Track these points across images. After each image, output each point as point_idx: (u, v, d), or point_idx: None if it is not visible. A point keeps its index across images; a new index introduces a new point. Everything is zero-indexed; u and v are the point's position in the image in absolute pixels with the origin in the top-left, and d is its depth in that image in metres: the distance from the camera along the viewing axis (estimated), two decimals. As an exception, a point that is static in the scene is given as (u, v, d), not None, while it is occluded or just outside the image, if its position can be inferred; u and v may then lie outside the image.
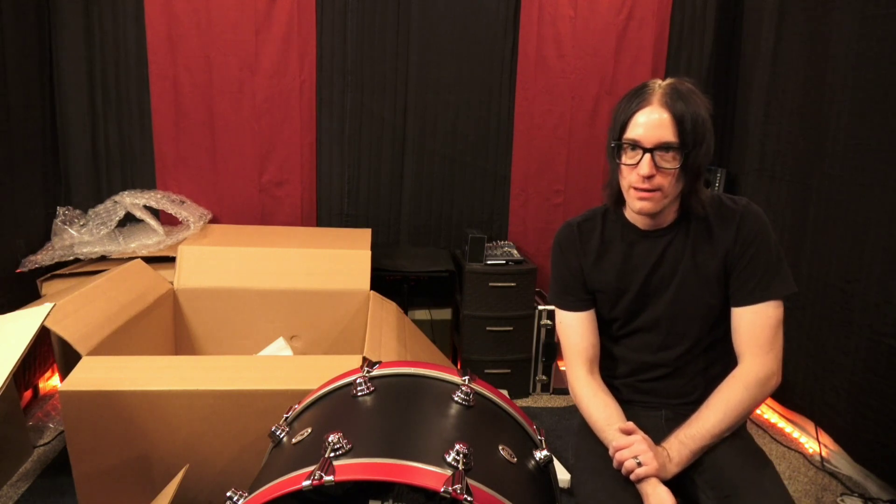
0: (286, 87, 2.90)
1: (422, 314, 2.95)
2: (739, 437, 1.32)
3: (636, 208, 1.29)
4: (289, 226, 3.00)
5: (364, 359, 1.57)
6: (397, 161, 3.06)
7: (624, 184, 1.31)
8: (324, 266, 2.53)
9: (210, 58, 2.82)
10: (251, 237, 2.70)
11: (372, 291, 2.49)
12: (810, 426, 2.48)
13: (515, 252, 2.92)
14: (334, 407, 1.16)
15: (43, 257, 2.47)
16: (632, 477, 1.19)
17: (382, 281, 2.71)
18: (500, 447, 1.06)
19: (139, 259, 2.41)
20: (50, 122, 2.73)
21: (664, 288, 1.35)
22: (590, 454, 1.34)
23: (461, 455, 0.94)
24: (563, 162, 3.11)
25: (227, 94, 2.87)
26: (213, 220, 2.93)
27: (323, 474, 0.90)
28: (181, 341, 2.49)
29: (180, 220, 2.71)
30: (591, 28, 2.99)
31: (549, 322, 2.86)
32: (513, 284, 2.77)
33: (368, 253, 2.56)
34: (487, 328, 2.79)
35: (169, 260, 2.50)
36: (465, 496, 0.87)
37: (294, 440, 1.08)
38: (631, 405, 1.39)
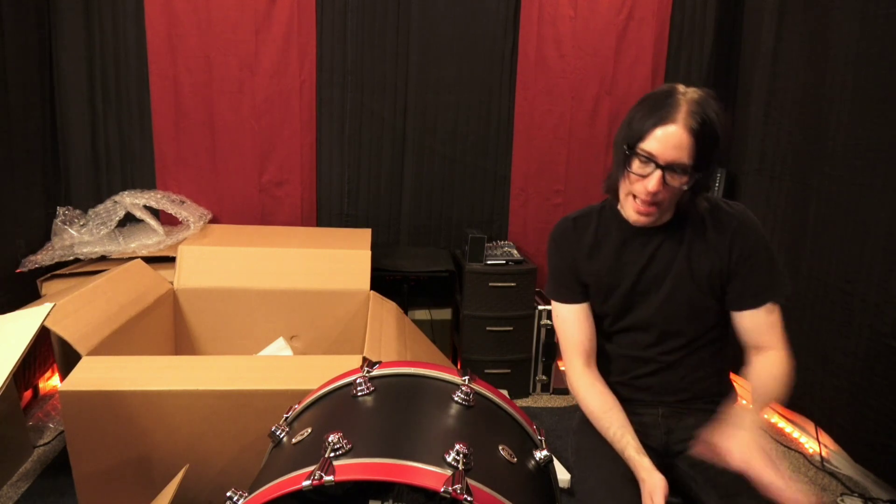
0: (286, 87, 2.90)
1: (422, 314, 2.95)
2: None
3: (631, 219, 1.31)
4: (289, 226, 3.00)
5: (364, 359, 1.57)
6: (397, 161, 3.06)
7: (625, 189, 1.30)
8: (324, 266, 2.53)
9: (210, 58, 2.82)
10: (251, 237, 2.70)
11: (372, 291, 2.49)
12: (810, 426, 2.48)
13: (515, 252, 2.92)
14: (334, 407, 1.16)
15: (43, 257, 2.47)
16: None
17: (382, 281, 2.71)
18: (500, 447, 1.06)
19: (139, 259, 2.41)
20: (50, 122, 2.73)
21: (656, 287, 1.36)
22: (590, 451, 1.35)
23: (461, 455, 0.94)
24: (563, 162, 3.11)
25: (227, 94, 2.87)
26: (213, 220, 2.93)
27: (323, 474, 0.90)
28: (181, 341, 2.49)
29: (180, 220, 2.71)
30: (591, 28, 2.99)
31: (548, 322, 2.86)
32: (513, 284, 2.77)
33: (368, 253, 2.56)
34: (487, 328, 2.79)
35: (169, 260, 2.50)
36: (465, 496, 0.87)
37: (294, 440, 1.08)
38: (628, 403, 1.39)
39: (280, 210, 3.01)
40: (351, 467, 0.92)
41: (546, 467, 1.16)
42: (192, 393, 1.59)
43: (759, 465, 1.09)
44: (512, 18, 2.97)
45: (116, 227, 2.62)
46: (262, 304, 2.48)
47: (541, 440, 1.21)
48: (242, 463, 1.64)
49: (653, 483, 1.16)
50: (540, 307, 2.85)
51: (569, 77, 3.03)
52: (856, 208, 2.16)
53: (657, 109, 1.23)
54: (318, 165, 3.01)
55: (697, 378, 1.39)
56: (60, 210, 2.63)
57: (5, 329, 1.41)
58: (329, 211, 3.06)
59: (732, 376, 1.45)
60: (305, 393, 1.26)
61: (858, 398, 2.15)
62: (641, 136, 1.23)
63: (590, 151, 3.12)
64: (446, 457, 0.94)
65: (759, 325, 1.31)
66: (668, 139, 1.20)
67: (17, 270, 2.42)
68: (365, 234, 2.80)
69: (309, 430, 1.08)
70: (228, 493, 1.03)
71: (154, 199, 2.72)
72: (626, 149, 1.25)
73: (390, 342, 2.05)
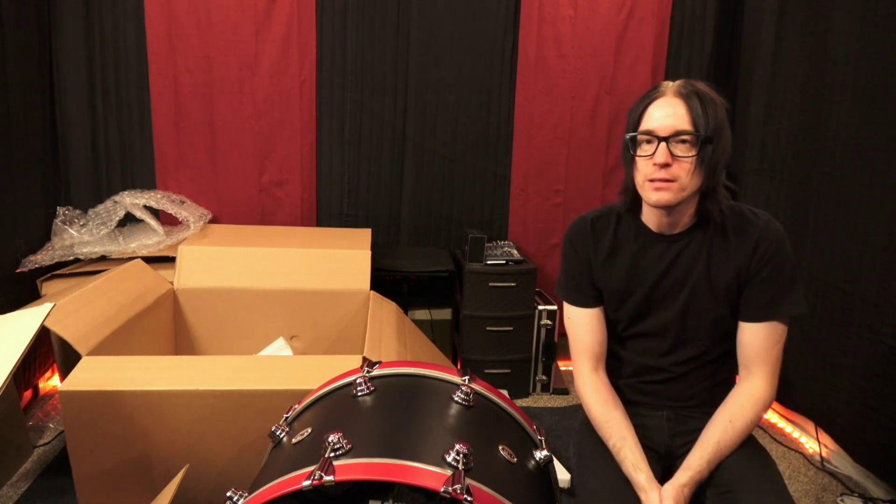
0: (286, 87, 2.90)
1: (422, 314, 2.95)
2: None
3: (653, 200, 1.26)
4: (289, 226, 3.00)
5: (364, 359, 1.57)
6: (397, 161, 3.06)
7: (639, 179, 1.28)
8: (324, 266, 2.53)
9: (210, 58, 2.82)
10: (251, 237, 2.70)
11: (372, 291, 2.49)
12: (810, 426, 2.48)
13: (515, 252, 2.92)
14: (334, 407, 1.16)
15: (43, 257, 2.47)
16: None
17: (382, 281, 2.71)
18: (500, 447, 1.06)
19: (139, 259, 2.41)
20: (50, 122, 2.74)
21: (673, 295, 1.34)
22: (591, 453, 1.34)
23: (461, 455, 0.94)
24: (563, 162, 3.11)
25: (227, 94, 2.87)
26: (213, 220, 2.93)
27: (323, 474, 0.90)
28: (181, 341, 2.49)
29: (180, 220, 2.71)
30: (591, 28, 2.99)
31: (549, 322, 2.86)
32: (513, 284, 2.77)
33: (368, 253, 2.56)
34: (487, 328, 2.79)
35: (169, 260, 2.50)
36: (465, 496, 0.87)
37: (294, 440, 1.08)
38: (633, 405, 1.39)
39: (280, 210, 3.01)
40: (351, 467, 0.92)
41: (546, 467, 1.16)
42: (192, 393, 1.59)
43: None
44: (512, 18, 2.97)
45: (116, 227, 2.62)
46: (262, 304, 2.48)
47: (541, 440, 1.21)
48: (242, 463, 1.64)
49: (648, 501, 1.18)
50: (540, 307, 2.85)
51: (569, 77, 3.03)
52: (856, 208, 2.16)
53: (648, 95, 1.28)
54: (318, 165, 3.01)
55: (705, 388, 1.38)
56: (60, 210, 2.63)
57: (5, 329, 1.41)
58: (329, 211, 3.06)
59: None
60: (305, 393, 1.26)
61: (858, 398, 2.15)
62: (638, 121, 1.27)
63: (590, 151, 3.12)
64: (446, 457, 0.94)
65: (757, 342, 1.28)
66: (662, 110, 1.24)
67: (17, 270, 2.42)
68: (365, 234, 2.80)
69: (309, 430, 1.08)
70: (228, 493, 1.03)
71: (154, 199, 2.72)
72: (629, 139, 1.28)
73: (390, 342, 2.05)
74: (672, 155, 1.22)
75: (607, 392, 1.36)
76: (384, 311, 2.33)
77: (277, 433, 1.15)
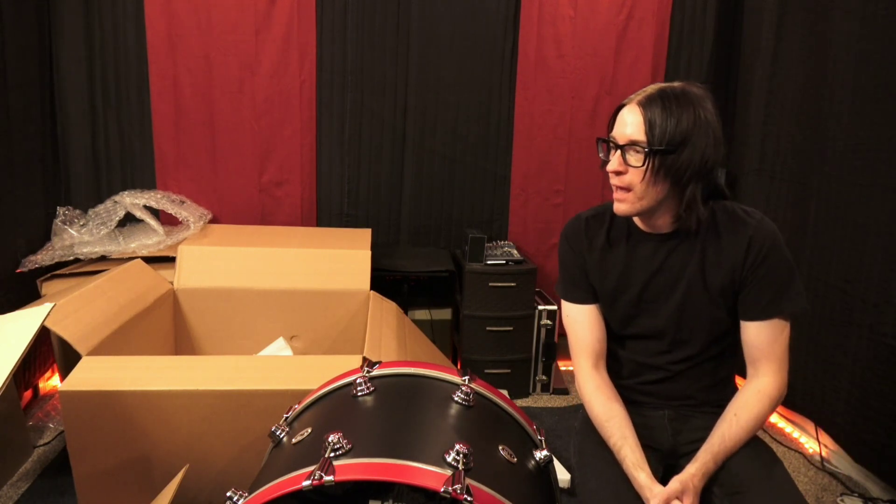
0: (286, 87, 2.90)
1: (422, 314, 2.95)
2: None
3: (614, 208, 1.31)
4: (289, 226, 3.00)
5: (364, 359, 1.57)
6: (397, 161, 3.06)
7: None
8: (324, 266, 2.53)
9: (210, 58, 2.82)
10: (251, 237, 2.70)
11: (372, 291, 2.49)
12: (810, 426, 2.48)
13: (515, 252, 2.92)
14: (334, 407, 1.16)
15: (43, 257, 2.47)
16: None
17: (382, 281, 2.71)
18: (500, 447, 1.06)
19: (139, 259, 2.41)
20: (50, 122, 2.73)
21: (665, 295, 1.34)
22: (592, 453, 1.34)
23: (461, 455, 0.94)
24: (563, 162, 3.11)
25: (227, 94, 2.87)
26: (213, 220, 2.93)
27: (323, 474, 0.90)
28: (181, 341, 2.49)
29: (180, 220, 2.71)
30: (591, 28, 2.99)
31: (549, 322, 2.86)
32: (513, 284, 2.77)
33: (368, 253, 2.56)
34: (487, 328, 2.79)
35: (169, 260, 2.50)
36: (465, 496, 0.87)
37: (294, 440, 1.08)
38: (634, 405, 1.39)
39: (280, 210, 3.01)
40: (351, 467, 0.92)
41: (546, 467, 1.16)
42: (192, 393, 1.59)
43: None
44: (512, 18, 2.97)
45: (116, 227, 2.62)
46: (262, 304, 2.48)
47: (541, 440, 1.21)
48: (242, 463, 1.64)
49: (649, 500, 1.18)
50: (540, 307, 2.85)
51: (569, 77, 3.03)
52: (856, 208, 2.15)
53: (623, 102, 1.30)
54: (318, 165, 3.01)
55: (703, 387, 1.38)
56: (60, 210, 2.63)
57: (5, 329, 1.41)
58: (329, 211, 3.06)
59: (738, 379, 1.45)
60: (305, 393, 1.26)
61: (858, 398, 2.15)
62: (610, 126, 1.30)
63: (590, 151, 3.12)
64: (446, 457, 0.94)
65: (762, 339, 1.28)
66: (622, 120, 1.26)
67: (17, 270, 2.42)
68: (365, 234, 2.80)
69: (309, 430, 1.08)
70: (228, 493, 1.03)
71: (154, 199, 2.72)
72: (599, 143, 1.32)
73: (390, 342, 2.05)
74: (626, 163, 1.24)
75: (609, 390, 1.36)
76: (384, 311, 2.33)
77: (277, 433, 1.15)
